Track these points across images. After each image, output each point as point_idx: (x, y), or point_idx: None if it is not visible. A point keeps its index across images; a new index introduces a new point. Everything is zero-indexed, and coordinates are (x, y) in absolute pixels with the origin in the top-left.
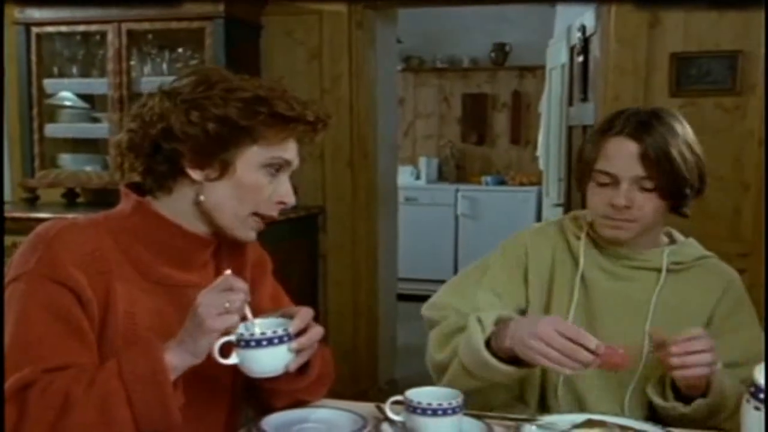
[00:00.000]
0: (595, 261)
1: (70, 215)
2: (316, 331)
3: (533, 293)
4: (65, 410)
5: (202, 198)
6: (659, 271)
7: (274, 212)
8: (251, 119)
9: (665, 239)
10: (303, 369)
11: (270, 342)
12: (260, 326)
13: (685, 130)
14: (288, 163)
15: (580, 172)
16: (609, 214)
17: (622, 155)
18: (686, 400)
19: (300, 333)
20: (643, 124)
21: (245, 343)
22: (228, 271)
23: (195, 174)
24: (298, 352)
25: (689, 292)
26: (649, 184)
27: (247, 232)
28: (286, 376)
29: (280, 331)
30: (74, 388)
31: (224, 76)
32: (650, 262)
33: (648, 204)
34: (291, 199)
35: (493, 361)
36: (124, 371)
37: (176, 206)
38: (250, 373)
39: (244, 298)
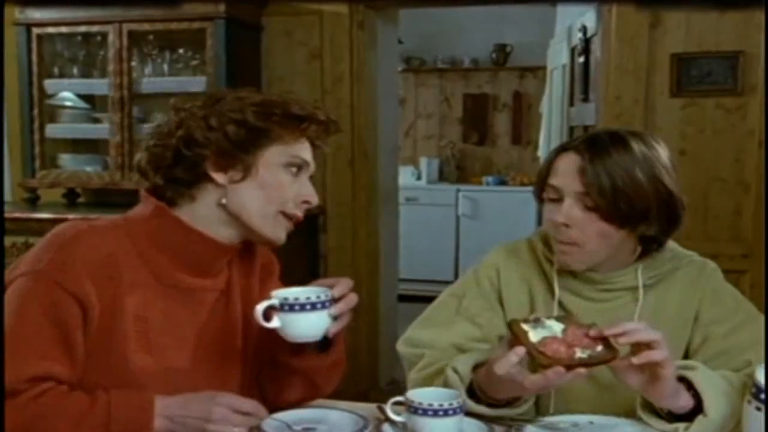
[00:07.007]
0: (570, 286)
1: (70, 216)
2: (352, 298)
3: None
4: None
5: (224, 201)
6: (636, 289)
7: (299, 212)
8: (267, 120)
9: (637, 248)
10: (328, 346)
11: (313, 306)
12: (301, 293)
13: (652, 154)
14: (306, 163)
15: (537, 189)
16: (553, 234)
17: (566, 169)
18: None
19: (336, 301)
20: (595, 140)
21: (289, 307)
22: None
23: (219, 177)
24: (335, 318)
25: (670, 300)
26: (589, 202)
27: (276, 231)
28: (313, 351)
29: (322, 296)
30: (58, 424)
31: (231, 91)
32: (624, 282)
33: (590, 226)
34: (315, 199)
35: (483, 409)
36: (112, 422)
37: (200, 213)
38: (289, 337)
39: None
